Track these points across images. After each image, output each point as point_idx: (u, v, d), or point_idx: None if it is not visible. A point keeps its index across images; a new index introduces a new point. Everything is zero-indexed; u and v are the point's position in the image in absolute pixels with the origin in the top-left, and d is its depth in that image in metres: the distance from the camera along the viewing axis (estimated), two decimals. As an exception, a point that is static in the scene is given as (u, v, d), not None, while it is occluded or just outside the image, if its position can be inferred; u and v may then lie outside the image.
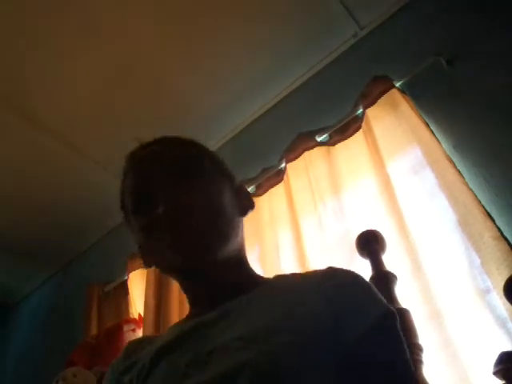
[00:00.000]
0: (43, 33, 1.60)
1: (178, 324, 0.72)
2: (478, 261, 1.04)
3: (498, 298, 0.97)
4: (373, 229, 0.97)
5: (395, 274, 0.89)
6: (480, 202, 1.10)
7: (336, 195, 1.41)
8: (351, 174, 1.44)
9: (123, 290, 1.95)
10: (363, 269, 0.89)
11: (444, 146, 1.25)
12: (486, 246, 1.03)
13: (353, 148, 1.48)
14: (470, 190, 1.12)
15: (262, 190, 1.63)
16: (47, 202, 2.20)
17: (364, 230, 0.97)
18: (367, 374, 0.54)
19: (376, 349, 0.56)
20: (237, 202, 0.73)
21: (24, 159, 1.99)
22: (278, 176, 1.62)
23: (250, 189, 1.64)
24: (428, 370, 0.78)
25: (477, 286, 1.04)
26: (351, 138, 1.50)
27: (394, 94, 1.42)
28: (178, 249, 0.63)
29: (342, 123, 1.53)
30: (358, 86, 1.53)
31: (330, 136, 1.56)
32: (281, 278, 0.71)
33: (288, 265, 1.39)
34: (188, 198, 0.65)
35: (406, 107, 1.37)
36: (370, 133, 1.43)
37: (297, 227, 1.42)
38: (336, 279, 0.63)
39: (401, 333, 0.59)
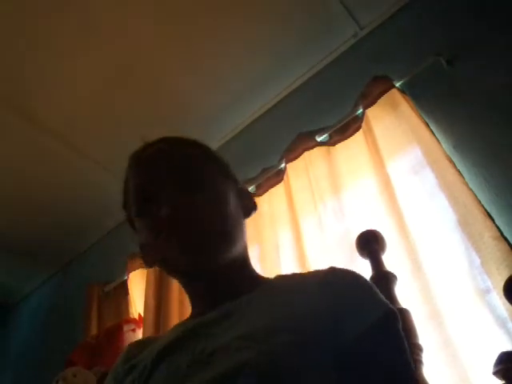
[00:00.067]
0: (43, 33, 1.60)
1: (179, 324, 0.72)
2: (477, 261, 1.04)
3: (497, 298, 0.97)
4: (373, 229, 0.97)
5: (395, 273, 0.89)
6: (480, 202, 1.10)
7: (336, 195, 1.41)
8: (351, 174, 1.44)
9: (123, 289, 1.95)
10: (363, 269, 0.89)
11: (444, 146, 1.25)
12: (486, 246, 1.03)
13: (353, 148, 1.48)
14: (470, 190, 1.12)
15: (262, 189, 1.63)
16: (47, 202, 2.20)
17: (364, 230, 0.97)
18: (367, 373, 0.54)
19: (376, 348, 0.56)
20: (240, 204, 0.73)
21: (24, 159, 1.99)
22: (278, 176, 1.62)
23: (250, 189, 1.64)
24: (428, 370, 0.78)
25: (477, 286, 1.04)
26: (351, 138, 1.50)
27: (394, 93, 1.43)
28: (183, 250, 0.63)
29: (342, 123, 1.53)
30: (357, 85, 1.53)
31: (330, 136, 1.56)
32: (282, 278, 0.71)
33: (288, 265, 1.39)
34: (190, 199, 0.65)
35: (406, 107, 1.37)
36: (370, 133, 1.43)
37: (297, 227, 1.42)
38: (337, 279, 0.63)
39: (402, 333, 0.59)
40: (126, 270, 1.93)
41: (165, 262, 0.69)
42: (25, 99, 1.78)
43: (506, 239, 1.02)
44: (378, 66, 1.55)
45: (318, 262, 1.30)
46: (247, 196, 0.78)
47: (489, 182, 1.17)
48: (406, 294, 0.99)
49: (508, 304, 0.81)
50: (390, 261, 0.93)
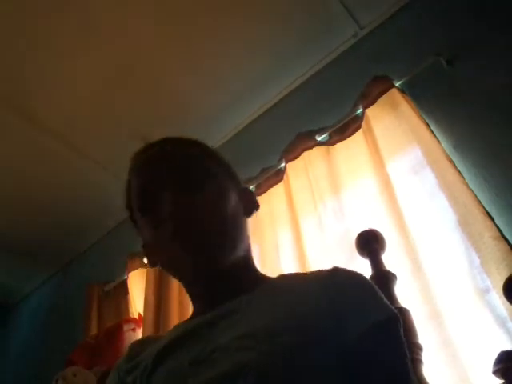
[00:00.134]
0: (43, 33, 1.60)
1: (181, 324, 0.72)
2: (477, 261, 1.05)
3: (497, 298, 0.97)
4: (373, 229, 0.97)
5: (395, 273, 0.89)
6: (480, 202, 1.10)
7: (336, 195, 1.41)
8: (351, 174, 1.44)
9: (123, 289, 1.95)
10: (363, 268, 0.89)
11: (444, 146, 1.25)
12: (485, 246, 1.03)
13: (352, 148, 1.48)
14: (470, 190, 1.12)
15: (261, 189, 1.63)
16: (47, 202, 2.20)
17: (364, 229, 0.97)
18: (368, 372, 0.54)
19: (377, 349, 0.55)
20: (241, 203, 0.74)
21: (24, 159, 1.99)
22: (278, 176, 1.62)
23: (250, 188, 1.64)
24: (428, 369, 0.78)
25: (476, 286, 1.04)
26: (351, 137, 1.50)
27: (394, 93, 1.43)
28: (180, 248, 0.63)
29: (342, 123, 1.53)
30: (357, 85, 1.53)
31: (330, 136, 1.56)
32: (284, 278, 0.71)
33: (288, 265, 1.40)
34: (190, 199, 0.65)
35: (405, 107, 1.37)
36: (369, 133, 1.43)
37: (297, 227, 1.42)
38: (338, 279, 0.63)
39: (403, 338, 0.59)
40: (126, 270, 1.93)
41: (165, 261, 0.69)
42: (25, 99, 1.78)
43: (505, 239, 1.02)
44: (377, 66, 1.55)
45: (318, 261, 1.30)
46: (249, 195, 0.79)
47: (489, 182, 1.17)
48: (405, 294, 0.99)
49: (508, 303, 0.81)
50: (389, 261, 0.93)
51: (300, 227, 1.41)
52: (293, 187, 1.52)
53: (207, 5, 1.61)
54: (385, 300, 0.62)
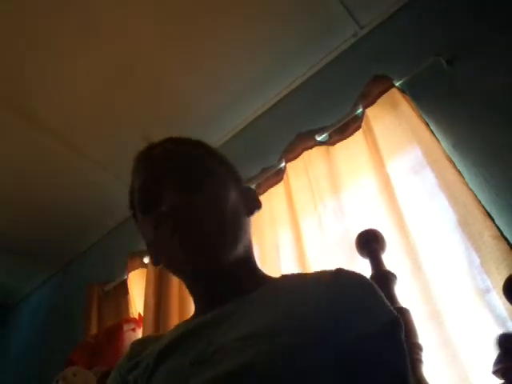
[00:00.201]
0: (43, 33, 1.60)
1: (182, 323, 0.72)
2: (477, 260, 1.05)
3: (497, 298, 0.97)
4: (373, 228, 0.97)
5: (395, 273, 0.89)
6: (480, 202, 1.10)
7: (336, 195, 1.41)
8: (351, 174, 1.44)
9: (123, 289, 1.95)
10: (363, 268, 0.89)
11: (444, 146, 1.25)
12: (485, 246, 1.03)
13: (352, 148, 1.48)
14: (470, 190, 1.12)
15: (261, 189, 1.63)
16: (47, 202, 2.20)
17: (364, 229, 0.97)
18: (369, 372, 0.54)
19: (378, 349, 0.55)
20: (244, 203, 0.74)
21: (24, 159, 1.99)
22: (278, 176, 1.62)
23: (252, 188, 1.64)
24: (428, 369, 0.78)
25: (476, 286, 1.04)
26: (351, 137, 1.50)
27: (394, 93, 1.43)
28: (180, 247, 0.63)
29: (342, 123, 1.53)
30: (357, 85, 1.53)
31: (330, 136, 1.56)
32: (286, 278, 0.72)
33: (288, 265, 1.39)
34: (190, 199, 0.65)
35: (405, 107, 1.37)
36: (369, 132, 1.43)
37: (297, 227, 1.42)
38: (339, 279, 0.63)
39: (404, 341, 0.58)
40: (126, 270, 1.93)
41: (166, 260, 0.69)
42: (25, 99, 1.78)
43: (505, 239, 1.02)
44: (377, 66, 1.55)
45: (318, 261, 1.30)
46: (251, 195, 0.79)
47: (489, 182, 1.17)
48: (406, 294, 0.99)
49: (508, 303, 0.81)
50: (389, 261, 0.93)
51: (300, 227, 1.41)
52: (293, 187, 1.52)
53: (207, 5, 1.61)
54: (386, 302, 0.62)
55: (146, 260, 1.89)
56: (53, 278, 2.61)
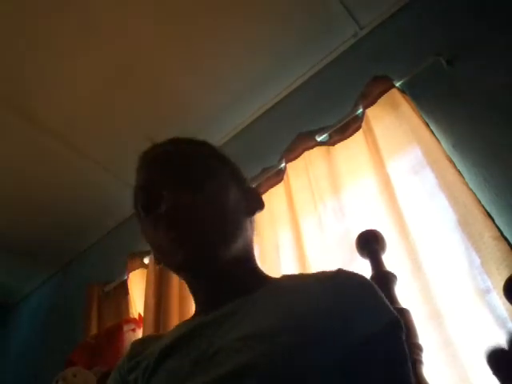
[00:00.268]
0: (43, 33, 1.60)
1: (183, 323, 0.73)
2: (478, 261, 1.04)
3: (497, 298, 0.97)
4: (373, 229, 0.97)
5: (395, 273, 0.89)
6: (480, 202, 1.10)
7: (336, 195, 1.41)
8: (351, 174, 1.44)
9: (123, 289, 1.95)
10: (363, 269, 0.89)
11: (444, 146, 1.25)
12: (486, 246, 1.03)
13: (353, 148, 1.48)
14: (470, 190, 1.12)
15: (261, 189, 1.63)
16: (47, 202, 2.20)
17: (364, 229, 0.97)
18: (368, 374, 0.54)
19: (379, 351, 0.55)
20: (245, 203, 0.74)
21: (24, 159, 1.99)
22: (278, 176, 1.62)
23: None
24: (428, 370, 0.78)
25: (477, 286, 1.04)
26: (351, 137, 1.50)
27: (394, 93, 1.43)
28: (180, 247, 0.64)
29: (342, 123, 1.53)
30: (357, 85, 1.53)
31: (330, 136, 1.56)
32: (288, 278, 0.72)
33: (288, 265, 1.39)
34: (189, 198, 0.66)
35: (406, 107, 1.37)
36: (370, 133, 1.43)
37: (297, 227, 1.42)
38: (339, 280, 0.63)
39: (405, 343, 0.58)
40: (126, 270, 1.93)
41: (166, 260, 0.69)
42: (25, 99, 1.78)
43: (506, 239, 1.02)
44: (377, 66, 1.55)
45: (318, 261, 1.30)
46: (254, 196, 0.79)
47: (489, 182, 1.17)
48: (406, 294, 0.99)
49: (508, 304, 0.81)
50: (390, 261, 0.93)
51: (300, 227, 1.41)
52: (293, 187, 1.52)
53: (207, 5, 1.61)
54: (387, 303, 0.62)
55: (146, 260, 1.89)
56: (53, 278, 2.61)
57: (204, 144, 0.77)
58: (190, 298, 0.75)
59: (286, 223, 1.48)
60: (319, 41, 1.75)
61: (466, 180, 1.15)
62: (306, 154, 1.55)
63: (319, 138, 1.57)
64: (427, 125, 1.31)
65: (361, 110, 1.50)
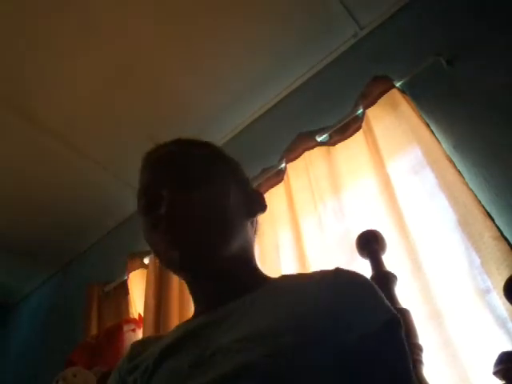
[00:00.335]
0: (43, 33, 1.60)
1: (182, 324, 0.73)
2: (478, 261, 1.04)
3: (497, 298, 0.97)
4: (373, 229, 0.97)
5: (395, 273, 0.89)
6: (480, 202, 1.10)
7: (336, 195, 1.41)
8: (351, 174, 1.44)
9: (123, 290, 1.95)
10: (363, 269, 0.89)
11: (444, 146, 1.25)
12: (486, 246, 1.03)
13: (353, 148, 1.48)
14: (470, 190, 1.12)
15: (262, 189, 1.63)
16: (47, 202, 2.20)
17: (364, 230, 0.97)
18: (368, 372, 0.54)
19: (381, 348, 0.55)
20: (246, 204, 0.74)
21: (24, 159, 1.99)
22: (278, 176, 1.62)
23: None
24: (428, 370, 0.78)
25: (477, 286, 1.04)
26: (351, 138, 1.50)
27: (394, 93, 1.42)
28: (176, 247, 0.64)
29: (342, 123, 1.53)
30: (358, 85, 1.53)
31: (330, 136, 1.56)
32: (286, 278, 0.72)
33: (288, 265, 1.39)
34: (188, 197, 0.66)
35: (406, 107, 1.37)
36: (370, 133, 1.43)
37: (297, 227, 1.42)
38: (338, 279, 0.63)
39: (404, 340, 0.59)
40: (126, 270, 1.93)
41: (165, 260, 0.69)
42: (25, 99, 1.78)
43: (506, 239, 1.02)
44: (378, 66, 1.55)
45: (318, 262, 1.30)
46: (256, 198, 0.79)
47: (489, 181, 1.17)
48: (406, 294, 0.99)
49: (508, 304, 0.81)
50: (390, 261, 0.93)
51: (300, 227, 1.41)
52: (293, 187, 1.52)
53: (207, 5, 1.61)
54: (386, 302, 0.61)
55: (146, 260, 1.89)
56: (53, 278, 2.61)
57: (207, 145, 0.77)
58: (190, 298, 0.75)
59: (286, 223, 1.48)
60: (319, 41, 1.75)
61: (466, 180, 1.15)
62: (306, 154, 1.55)
63: (319, 138, 1.57)
64: (427, 125, 1.31)
65: (361, 110, 1.50)
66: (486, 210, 1.08)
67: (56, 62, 1.69)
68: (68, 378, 1.41)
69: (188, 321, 0.72)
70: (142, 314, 1.69)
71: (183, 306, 1.58)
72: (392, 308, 0.61)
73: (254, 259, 0.76)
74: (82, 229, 2.35)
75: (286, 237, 1.47)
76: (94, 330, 1.88)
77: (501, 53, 1.31)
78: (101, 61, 1.71)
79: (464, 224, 1.10)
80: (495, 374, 0.68)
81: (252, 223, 0.77)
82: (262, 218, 1.53)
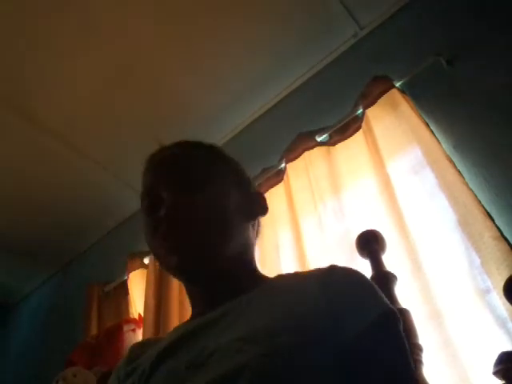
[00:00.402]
0: (43, 33, 1.60)
1: (182, 325, 0.73)
2: (478, 261, 1.04)
3: (497, 298, 0.97)
4: (373, 229, 0.97)
5: (395, 274, 0.89)
6: (480, 202, 1.10)
7: (336, 195, 1.41)
8: (351, 174, 1.44)
9: (123, 289, 1.95)
10: (363, 269, 0.89)
11: (444, 146, 1.25)
12: (486, 246, 1.03)
13: (353, 148, 1.48)
14: (470, 190, 1.12)
15: (261, 189, 1.63)
16: (47, 202, 2.20)
17: (364, 230, 0.97)
18: (367, 371, 0.54)
19: (377, 346, 0.55)
20: (247, 207, 0.74)
21: (24, 159, 1.99)
22: (278, 176, 1.62)
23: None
24: (428, 370, 0.78)
25: (477, 286, 1.04)
26: (351, 138, 1.50)
27: (394, 94, 1.42)
28: (175, 252, 0.64)
29: (342, 123, 1.53)
30: (357, 86, 1.53)
31: (330, 136, 1.56)
32: (282, 278, 0.72)
33: (288, 265, 1.40)
34: (190, 199, 0.66)
35: (406, 107, 1.37)
36: (370, 133, 1.43)
37: (297, 227, 1.42)
38: (336, 277, 0.63)
39: (402, 332, 0.58)
40: (126, 270, 1.93)
41: (165, 261, 0.69)
42: (25, 99, 1.78)
43: (506, 239, 1.02)
44: (378, 66, 1.55)
45: (318, 262, 1.30)
46: (257, 200, 0.79)
47: (489, 181, 1.17)
48: (406, 294, 0.99)
49: (508, 304, 0.81)
50: (390, 261, 0.93)
51: (300, 227, 1.41)
52: (293, 187, 1.52)
53: (207, 5, 1.61)
54: (382, 296, 0.61)
55: (146, 260, 1.89)
56: (53, 278, 2.61)
57: (210, 147, 0.77)
58: (190, 299, 0.75)
59: (286, 223, 1.48)
60: (319, 41, 1.75)
61: (466, 180, 1.15)
62: (306, 154, 1.55)
63: (319, 138, 1.57)
64: (427, 125, 1.31)
65: (361, 110, 1.50)
66: (486, 210, 1.08)
67: (56, 61, 1.68)
68: (68, 378, 1.41)
69: (186, 323, 0.72)
70: (142, 314, 1.69)
71: (183, 306, 1.58)
72: (386, 301, 0.61)
73: (254, 261, 0.76)
74: (82, 229, 2.35)
75: (285, 237, 1.47)
76: (94, 330, 1.88)
77: (501, 53, 1.31)
78: (101, 61, 1.71)
79: (464, 224, 1.10)
80: (495, 373, 0.68)
81: (253, 225, 0.77)
82: (262, 219, 1.54)
